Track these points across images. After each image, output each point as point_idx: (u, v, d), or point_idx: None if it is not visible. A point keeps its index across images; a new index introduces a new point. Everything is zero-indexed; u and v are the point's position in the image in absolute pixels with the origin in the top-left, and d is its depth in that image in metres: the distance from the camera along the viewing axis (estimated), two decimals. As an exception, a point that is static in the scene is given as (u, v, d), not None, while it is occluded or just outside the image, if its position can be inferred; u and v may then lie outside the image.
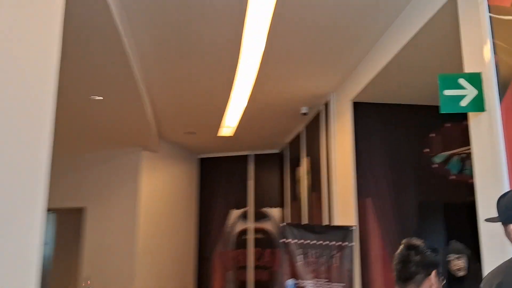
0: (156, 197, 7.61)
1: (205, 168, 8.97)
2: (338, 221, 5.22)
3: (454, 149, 5.21)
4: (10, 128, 1.84)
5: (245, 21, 3.87)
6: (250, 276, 8.26)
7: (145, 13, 3.79)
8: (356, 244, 4.63)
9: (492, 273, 1.76)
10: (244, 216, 8.54)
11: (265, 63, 4.72)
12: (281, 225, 4.86)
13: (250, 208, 8.53)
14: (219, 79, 5.20)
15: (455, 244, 3.81)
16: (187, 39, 4.24)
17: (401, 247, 2.04)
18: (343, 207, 5.21)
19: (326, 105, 5.77)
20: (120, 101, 5.22)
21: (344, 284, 4.54)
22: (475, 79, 2.73)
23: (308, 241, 4.73)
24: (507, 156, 2.48)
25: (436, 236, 6.46)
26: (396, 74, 4.43)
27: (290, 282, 4.72)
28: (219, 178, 8.81)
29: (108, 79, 4.59)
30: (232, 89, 5.54)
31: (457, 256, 3.70)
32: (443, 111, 2.79)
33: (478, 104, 2.71)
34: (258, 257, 8.31)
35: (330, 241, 4.66)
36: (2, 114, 1.79)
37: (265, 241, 8.33)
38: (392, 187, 5.02)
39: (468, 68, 2.91)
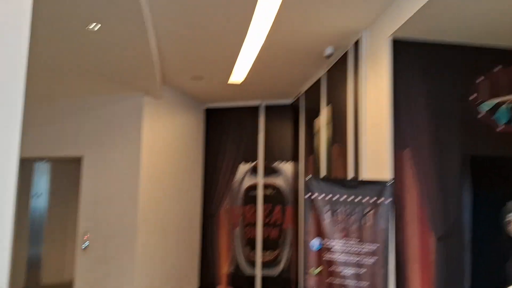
0: (159, 148, 7.00)
1: (212, 118, 8.32)
2: (368, 175, 4.63)
3: (504, 96, 4.56)
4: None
5: None
6: (259, 233, 7.77)
7: None
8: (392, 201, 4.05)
9: None
10: (253, 171, 7.97)
11: (294, -12, 4.00)
12: (306, 178, 4.26)
13: (260, 162, 7.95)
14: (235, 17, 4.49)
15: None
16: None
17: None
18: (374, 159, 4.61)
19: (356, 44, 5.08)
20: (121, 31, 4.51)
21: (378, 245, 4.00)
22: None
23: (338, 196, 4.15)
24: None
25: (481, 193, 5.91)
26: (450, 4, 3.73)
27: (315, 242, 4.18)
28: (227, 129, 8.18)
29: (108, 2, 3.87)
30: (248, 29, 4.83)
31: None
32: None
33: None
34: (267, 214, 7.80)
35: (364, 197, 4.08)
36: None
37: (275, 197, 7.80)
38: (433, 138, 4.40)
39: None
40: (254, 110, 8.06)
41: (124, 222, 6.51)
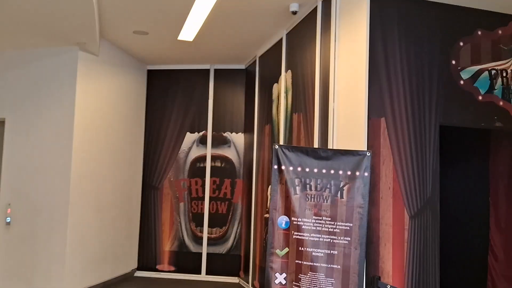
0: (95, 112, 6.17)
1: (156, 81, 7.53)
2: (337, 145, 4.16)
3: (485, 63, 4.22)
4: None
5: None
6: (206, 208, 7.19)
7: None
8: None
9: None
10: (201, 141, 7.33)
11: None
12: (275, 146, 3.71)
13: (209, 132, 7.31)
14: None
15: None
16: None
17: None
18: (346, 128, 4.14)
19: (327, 0, 4.52)
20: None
21: (351, 225, 3.54)
22: None
23: (309, 168, 3.64)
24: None
25: (459, 165, 5.64)
26: None
27: (283, 219, 3.67)
28: (173, 94, 7.43)
29: None
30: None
31: None
32: None
33: None
34: (216, 188, 7.22)
35: (338, 170, 3.60)
36: None
37: (225, 170, 7.23)
38: (411, 106, 3.99)
39: None
40: (204, 74, 7.36)
41: (54, 195, 5.69)
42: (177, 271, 7.14)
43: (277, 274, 3.65)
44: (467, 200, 5.44)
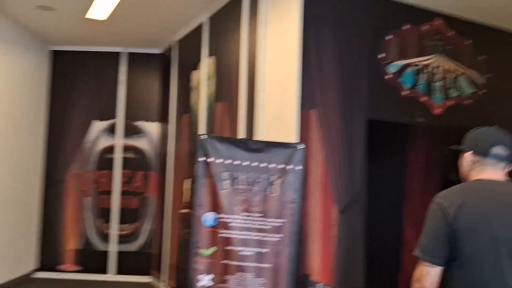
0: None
1: (60, 64, 6.82)
2: (266, 138, 3.95)
3: (410, 58, 4.24)
4: None
5: None
6: (115, 203, 6.67)
7: None
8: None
9: (452, 191, 2.00)
10: (110, 130, 6.77)
11: None
12: (201, 137, 3.40)
13: (120, 120, 6.78)
14: None
15: None
16: None
17: None
18: (276, 120, 3.94)
19: (257, -17, 4.29)
20: None
21: (284, 221, 3.35)
22: None
23: (239, 161, 3.38)
24: None
25: (386, 160, 5.66)
26: None
27: (209, 216, 3.37)
28: (79, 79, 6.78)
29: None
30: None
31: None
32: None
33: None
34: (126, 181, 6.72)
35: (270, 163, 3.38)
36: None
37: (136, 161, 6.75)
38: (340, 99, 3.88)
39: None
40: (116, 57, 6.80)
41: None
42: (82, 271, 6.55)
43: (201, 276, 3.36)
44: (387, 195, 5.53)
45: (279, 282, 3.30)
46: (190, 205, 5.48)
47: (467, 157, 2.08)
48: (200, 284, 3.34)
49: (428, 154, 5.49)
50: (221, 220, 3.35)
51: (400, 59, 4.17)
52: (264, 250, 3.33)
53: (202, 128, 5.23)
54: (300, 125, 3.69)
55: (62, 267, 6.55)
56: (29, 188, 6.38)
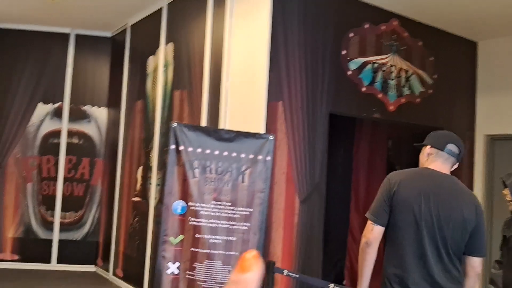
0: None
1: (1, 43, 6.41)
2: (231, 127, 3.98)
3: (369, 56, 4.44)
4: None
5: None
6: (59, 190, 6.41)
7: None
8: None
9: (401, 172, 2.49)
10: (55, 114, 6.48)
11: None
12: (172, 125, 3.38)
13: (66, 104, 6.50)
14: None
15: None
16: None
17: None
18: (242, 110, 3.99)
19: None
20: None
21: (251, 210, 3.42)
22: None
23: (210, 150, 3.40)
24: None
25: (344, 152, 5.83)
26: None
27: (178, 205, 3.37)
28: (22, 59, 6.40)
29: None
30: None
31: None
32: None
33: None
34: (71, 167, 6.48)
35: (241, 153, 3.43)
36: None
37: (83, 148, 6.51)
38: (305, 93, 4.00)
39: None
40: (63, 38, 6.48)
41: None
42: (22, 260, 6.24)
43: (169, 264, 3.36)
44: (336, 186, 5.75)
45: (247, 270, 3.37)
46: (142, 193, 5.41)
47: (426, 150, 2.49)
48: (168, 271, 3.34)
49: (374, 148, 5.77)
50: (190, 208, 3.36)
51: (360, 56, 4.35)
52: (232, 238, 3.39)
53: (158, 115, 5.16)
54: (267, 116, 3.77)
55: (1, 256, 6.21)
56: (-35, 173, 5.99)
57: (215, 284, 3.31)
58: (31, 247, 6.29)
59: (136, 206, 5.52)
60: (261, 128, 3.73)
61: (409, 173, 2.46)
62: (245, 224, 3.40)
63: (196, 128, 3.51)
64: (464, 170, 5.14)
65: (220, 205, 3.38)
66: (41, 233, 6.35)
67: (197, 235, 3.35)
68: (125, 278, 5.61)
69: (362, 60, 4.36)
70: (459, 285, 2.33)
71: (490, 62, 5.27)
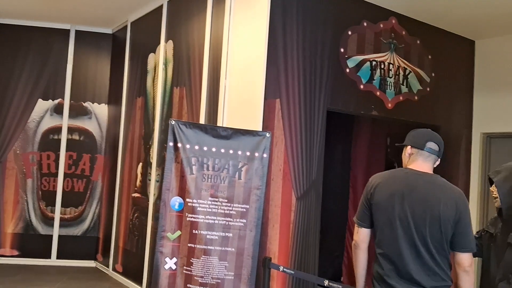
0: None
1: (2, 38, 6.44)
2: (229, 125, 4.01)
3: (367, 54, 4.46)
4: None
5: None
6: (59, 186, 6.45)
7: None
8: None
9: (381, 174, 2.57)
10: (56, 110, 6.51)
11: None
12: (171, 122, 3.41)
13: (66, 100, 6.53)
14: None
15: None
16: None
17: None
18: (240, 107, 4.02)
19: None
20: None
21: (248, 207, 3.46)
22: None
23: (207, 147, 3.44)
24: None
25: (343, 149, 5.86)
26: None
27: (175, 201, 3.41)
28: (23, 55, 6.43)
29: None
30: None
31: None
32: None
33: None
34: (72, 163, 6.51)
35: (238, 150, 3.46)
36: None
37: (83, 144, 6.55)
38: (303, 90, 4.03)
39: None
40: (64, 34, 6.50)
41: None
42: (21, 255, 6.29)
43: (167, 259, 3.40)
44: (335, 183, 5.79)
45: (242, 265, 3.42)
46: (142, 189, 5.45)
47: (407, 151, 2.54)
48: (165, 266, 3.38)
49: (372, 145, 5.80)
50: (188, 204, 3.40)
51: (358, 54, 4.38)
52: (228, 235, 3.43)
53: (157, 112, 5.19)
54: (264, 113, 3.80)
55: (1, 251, 6.26)
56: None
57: (211, 280, 3.35)
58: (31, 243, 6.34)
59: (136, 202, 5.56)
60: (258, 125, 3.76)
61: (386, 175, 2.53)
62: (241, 220, 3.44)
63: (194, 125, 3.54)
64: (461, 168, 5.18)
65: (217, 201, 3.42)
66: (41, 229, 6.39)
67: (194, 231, 3.39)
68: (124, 274, 5.66)
69: (360, 57, 4.38)
70: (442, 282, 2.33)
71: (487, 61, 5.29)
